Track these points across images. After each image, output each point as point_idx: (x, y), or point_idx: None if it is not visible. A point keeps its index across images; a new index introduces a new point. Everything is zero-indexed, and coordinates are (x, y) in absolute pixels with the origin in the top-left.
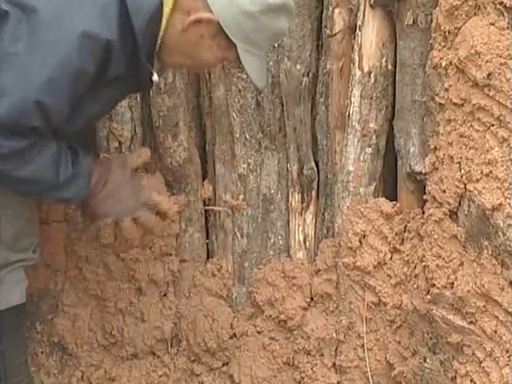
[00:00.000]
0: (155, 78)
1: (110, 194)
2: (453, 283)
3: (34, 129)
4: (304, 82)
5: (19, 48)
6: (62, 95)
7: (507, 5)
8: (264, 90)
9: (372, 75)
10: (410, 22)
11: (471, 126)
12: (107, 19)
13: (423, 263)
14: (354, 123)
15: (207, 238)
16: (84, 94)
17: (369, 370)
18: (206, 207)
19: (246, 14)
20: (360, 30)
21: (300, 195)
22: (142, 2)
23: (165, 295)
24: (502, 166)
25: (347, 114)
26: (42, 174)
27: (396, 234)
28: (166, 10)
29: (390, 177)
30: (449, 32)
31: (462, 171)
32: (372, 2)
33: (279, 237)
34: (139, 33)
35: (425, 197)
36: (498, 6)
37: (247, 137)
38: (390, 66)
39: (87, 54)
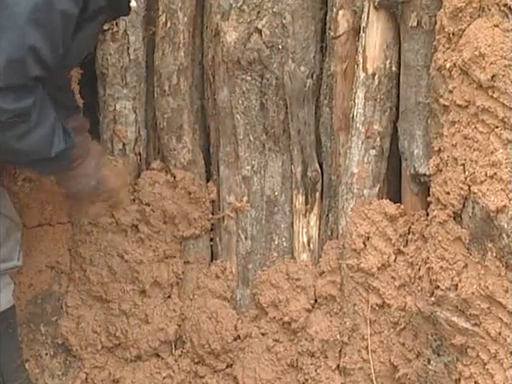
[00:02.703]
0: (133, 3)
1: (78, 175)
2: (457, 285)
3: (36, 79)
4: (308, 84)
5: None
6: (54, 37)
7: (511, 6)
8: (268, 91)
9: (376, 77)
10: (414, 23)
11: (475, 127)
12: None
13: (427, 265)
14: (357, 125)
15: (211, 239)
16: (72, 33)
17: (373, 371)
18: (212, 217)
19: None
20: (364, 31)
21: (304, 197)
22: None
23: (169, 297)
24: (506, 167)
25: (351, 115)
26: (39, 145)
27: (400, 235)
28: None
29: (394, 179)
30: (453, 34)
31: (466, 173)
32: (376, 3)
33: (283, 238)
34: None
35: (429, 199)
36: (502, 8)
37: (251, 139)
38: (394, 68)
39: None
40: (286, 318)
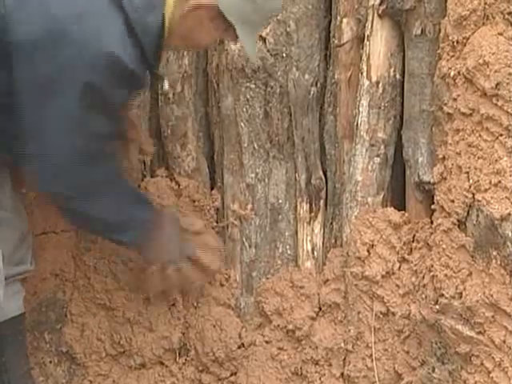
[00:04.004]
0: (166, 87)
1: (158, 245)
2: (461, 293)
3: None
4: (312, 92)
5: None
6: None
7: None
8: (272, 99)
9: (380, 85)
10: (419, 31)
11: (480, 135)
12: (125, 47)
13: (431, 273)
14: (362, 133)
15: None
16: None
17: (377, 380)
18: (216, 225)
19: None
20: (368, 39)
21: (308, 205)
22: (146, 22)
23: (173, 305)
24: (511, 175)
25: (355, 123)
26: (111, 212)
27: (404, 243)
28: (168, 11)
29: (398, 186)
30: (457, 42)
31: (471, 181)
32: (380, 12)
33: (287, 246)
34: (149, 52)
35: (433, 206)
36: (506, 16)
37: (255, 146)
38: (398, 76)
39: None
40: (290, 326)
